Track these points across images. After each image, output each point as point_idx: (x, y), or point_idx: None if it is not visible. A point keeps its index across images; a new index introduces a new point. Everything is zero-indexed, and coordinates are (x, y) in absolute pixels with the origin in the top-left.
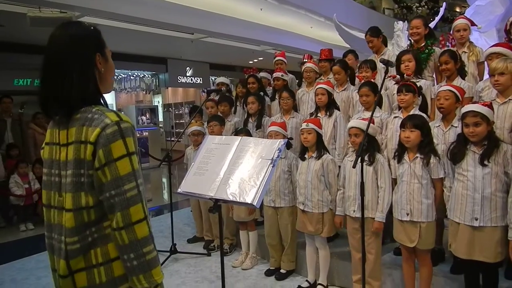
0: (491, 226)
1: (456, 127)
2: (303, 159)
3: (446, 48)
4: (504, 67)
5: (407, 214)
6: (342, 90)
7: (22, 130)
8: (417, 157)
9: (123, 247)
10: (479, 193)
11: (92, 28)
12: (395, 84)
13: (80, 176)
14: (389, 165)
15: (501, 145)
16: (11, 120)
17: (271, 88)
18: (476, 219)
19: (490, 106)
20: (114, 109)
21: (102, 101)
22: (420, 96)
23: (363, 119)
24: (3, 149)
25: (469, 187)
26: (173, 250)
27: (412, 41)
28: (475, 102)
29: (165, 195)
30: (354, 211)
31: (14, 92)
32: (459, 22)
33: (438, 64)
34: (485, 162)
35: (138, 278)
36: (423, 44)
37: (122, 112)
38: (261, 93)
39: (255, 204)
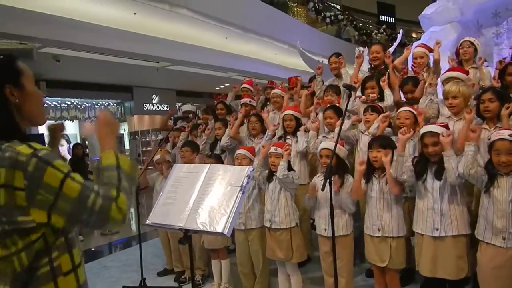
0: (452, 235)
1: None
2: (270, 181)
3: (409, 76)
4: (457, 91)
5: (379, 230)
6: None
7: None
8: (385, 174)
9: None
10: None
11: (2, 57)
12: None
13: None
14: None
15: None
16: None
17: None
18: (437, 229)
19: (446, 126)
20: (78, 139)
21: (20, 135)
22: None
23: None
24: None
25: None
26: (143, 285)
27: (373, 65)
28: (432, 123)
29: (133, 226)
30: (325, 229)
31: None
32: (417, 50)
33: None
34: None
35: None
36: (383, 67)
37: (86, 142)
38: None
39: (225, 233)
